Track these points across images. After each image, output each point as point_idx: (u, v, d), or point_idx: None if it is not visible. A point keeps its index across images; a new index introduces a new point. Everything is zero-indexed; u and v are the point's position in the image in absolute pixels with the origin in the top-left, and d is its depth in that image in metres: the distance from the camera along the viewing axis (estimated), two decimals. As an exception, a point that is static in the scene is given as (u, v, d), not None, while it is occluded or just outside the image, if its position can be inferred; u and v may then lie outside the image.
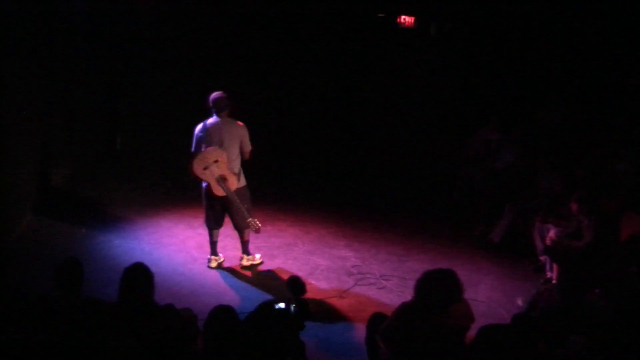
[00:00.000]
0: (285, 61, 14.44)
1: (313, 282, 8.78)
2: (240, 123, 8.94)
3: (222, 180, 8.72)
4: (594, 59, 12.71)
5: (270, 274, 9.04)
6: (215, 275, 9.02)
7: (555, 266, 8.85)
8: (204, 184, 8.88)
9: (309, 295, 6.77)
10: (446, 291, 5.76)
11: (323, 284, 8.84)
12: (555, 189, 9.95)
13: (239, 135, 8.88)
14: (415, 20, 14.69)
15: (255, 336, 5.17)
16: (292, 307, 6.25)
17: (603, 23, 12.55)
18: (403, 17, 14.64)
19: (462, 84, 14.49)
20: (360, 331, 6.81)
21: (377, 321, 6.36)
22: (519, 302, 8.46)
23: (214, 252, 9.28)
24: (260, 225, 8.91)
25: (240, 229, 9.11)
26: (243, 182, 9.02)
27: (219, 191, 8.77)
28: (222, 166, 8.72)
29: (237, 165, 8.94)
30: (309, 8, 14.20)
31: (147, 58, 13.66)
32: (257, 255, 9.42)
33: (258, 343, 5.10)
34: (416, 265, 9.34)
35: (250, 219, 8.86)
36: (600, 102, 12.38)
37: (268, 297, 8.12)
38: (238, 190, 8.85)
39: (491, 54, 13.97)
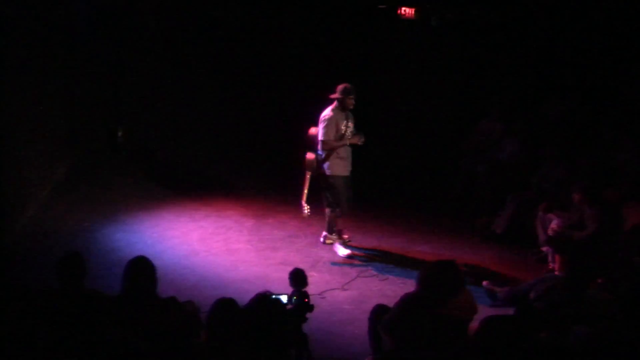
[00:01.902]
0: (285, 54, 14.40)
1: (315, 274, 8.77)
2: (324, 113, 9.25)
3: None
4: (596, 49, 12.67)
5: (273, 267, 9.04)
6: (218, 267, 9.02)
7: (557, 257, 8.85)
8: None
9: (312, 287, 6.76)
10: (448, 283, 5.77)
11: (326, 276, 8.84)
12: (557, 180, 9.94)
13: (320, 123, 9.25)
14: (415, 11, 14.63)
15: (253, 327, 5.14)
16: (294, 299, 6.25)
17: (604, 13, 12.52)
18: (404, 8, 14.59)
19: (463, 75, 14.44)
20: (363, 323, 6.80)
21: (379, 313, 6.36)
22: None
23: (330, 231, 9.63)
24: (306, 213, 9.46)
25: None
26: (329, 172, 9.29)
27: None
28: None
29: (319, 151, 9.27)
30: (309, 1, 14.19)
31: (149, 49, 13.62)
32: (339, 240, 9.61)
33: (259, 335, 5.09)
34: (418, 257, 9.34)
35: (303, 202, 9.40)
36: (602, 93, 12.35)
37: (271, 289, 8.12)
38: (319, 176, 9.30)
39: (492, 45, 13.92)
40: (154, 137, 13.49)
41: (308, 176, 9.38)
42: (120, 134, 12.99)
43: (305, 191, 9.41)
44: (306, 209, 9.47)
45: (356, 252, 9.56)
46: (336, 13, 14.36)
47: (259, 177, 12.44)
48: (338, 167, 9.30)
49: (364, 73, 14.80)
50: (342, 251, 9.42)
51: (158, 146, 13.41)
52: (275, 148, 13.38)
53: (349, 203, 9.50)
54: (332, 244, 9.59)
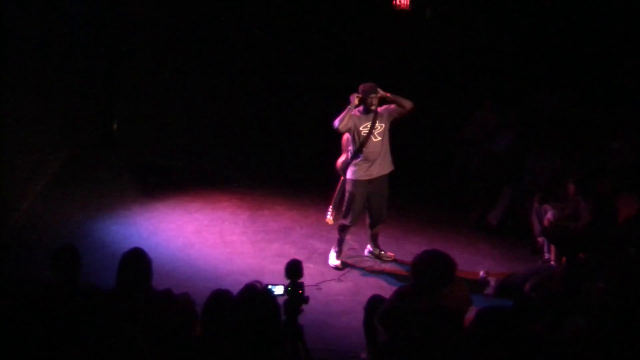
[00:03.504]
0: (278, 47, 14.39)
1: (311, 265, 8.79)
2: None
3: None
4: (589, 40, 12.69)
5: (269, 259, 9.04)
6: (213, 260, 9.01)
7: (552, 248, 8.86)
8: None
9: (307, 278, 6.75)
10: (439, 271, 5.77)
11: (321, 268, 8.85)
12: (552, 171, 9.94)
13: None
14: (410, 2, 14.63)
15: (243, 318, 5.12)
16: (289, 290, 6.23)
17: (597, 5, 12.54)
18: (398, -1, 14.60)
19: (457, 66, 14.44)
20: (358, 314, 6.81)
21: (375, 304, 6.37)
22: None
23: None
24: (329, 219, 8.99)
25: None
26: (348, 176, 8.85)
27: None
28: None
29: (345, 155, 8.99)
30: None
31: (145, 42, 13.60)
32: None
33: (250, 325, 5.07)
34: (414, 248, 9.27)
35: (330, 206, 9.00)
36: (595, 83, 12.37)
37: (266, 281, 8.11)
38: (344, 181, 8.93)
39: (486, 37, 13.93)
40: (149, 130, 13.47)
41: (341, 180, 9.01)
42: (115, 127, 12.96)
43: (335, 195, 9.02)
44: (330, 213, 9.01)
45: (351, 244, 9.51)
46: (330, 4, 14.35)
47: (253, 169, 12.39)
48: (356, 171, 8.77)
49: (357, 64, 14.83)
50: (333, 261, 9.05)
51: (152, 139, 13.37)
52: (269, 140, 13.38)
53: (376, 212, 9.05)
54: (389, 260, 9.23)
